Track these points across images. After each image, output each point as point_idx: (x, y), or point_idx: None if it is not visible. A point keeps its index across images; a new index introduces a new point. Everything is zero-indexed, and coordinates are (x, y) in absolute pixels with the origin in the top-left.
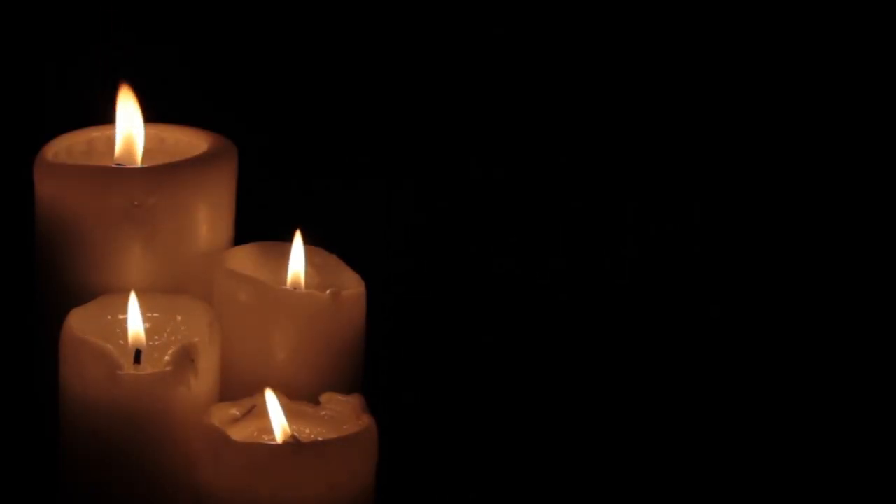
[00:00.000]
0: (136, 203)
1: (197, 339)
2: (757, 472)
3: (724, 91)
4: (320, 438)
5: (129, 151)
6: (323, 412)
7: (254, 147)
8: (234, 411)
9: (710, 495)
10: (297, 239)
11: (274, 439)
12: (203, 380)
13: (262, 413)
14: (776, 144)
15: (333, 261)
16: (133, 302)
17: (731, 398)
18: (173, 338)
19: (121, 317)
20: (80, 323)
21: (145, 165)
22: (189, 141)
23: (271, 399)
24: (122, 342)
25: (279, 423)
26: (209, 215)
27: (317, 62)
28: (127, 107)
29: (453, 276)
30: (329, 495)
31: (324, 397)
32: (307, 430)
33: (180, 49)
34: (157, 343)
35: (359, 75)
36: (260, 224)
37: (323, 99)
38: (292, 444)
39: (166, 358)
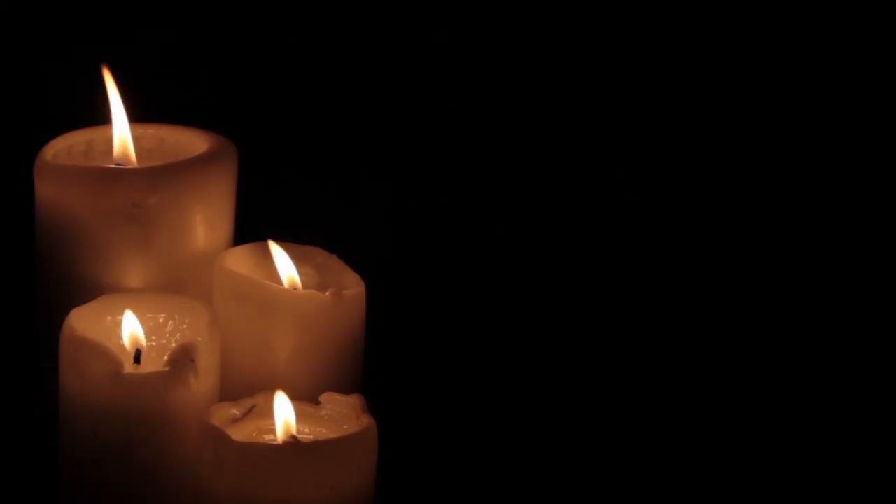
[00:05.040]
0: (136, 203)
1: (197, 339)
2: (756, 471)
3: (718, 90)
4: (320, 438)
5: (124, 151)
6: (323, 412)
7: (254, 147)
8: (234, 411)
9: (709, 494)
10: (273, 246)
11: (274, 439)
12: (203, 380)
13: (262, 413)
14: (773, 144)
15: (333, 261)
16: (129, 315)
17: (728, 398)
18: (173, 338)
19: (121, 318)
20: (80, 323)
21: (145, 165)
22: (189, 141)
23: (281, 400)
24: (122, 342)
25: (283, 422)
26: (209, 215)
27: (317, 62)
28: (115, 107)
29: (453, 275)
30: (329, 495)
31: (324, 397)
32: (307, 430)
33: (181, 49)
34: (157, 343)
35: (359, 75)
36: (260, 224)
37: (323, 99)
38: (292, 444)
39: (166, 358)
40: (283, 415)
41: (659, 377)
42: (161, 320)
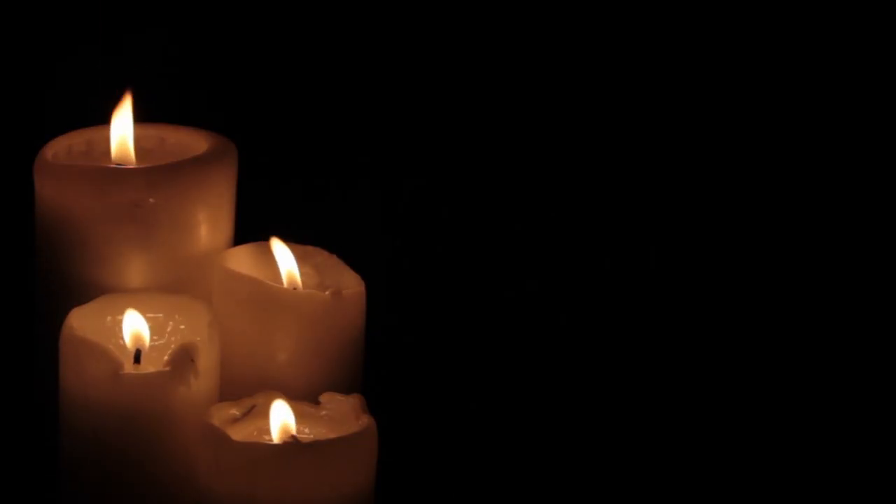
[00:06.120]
0: (136, 203)
1: (197, 339)
2: (755, 472)
3: (716, 91)
4: (320, 438)
5: (123, 152)
6: (323, 412)
7: (254, 147)
8: (234, 411)
9: (708, 494)
10: (276, 243)
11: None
12: (203, 380)
13: (262, 413)
14: (771, 144)
15: (333, 261)
16: (133, 312)
17: (727, 399)
18: (173, 338)
19: (120, 317)
20: (80, 323)
21: (145, 165)
22: (189, 141)
23: (280, 406)
24: (122, 342)
25: (280, 425)
26: (209, 215)
27: (317, 62)
28: (118, 108)
29: (453, 275)
30: (329, 495)
31: (324, 397)
32: (307, 430)
33: (181, 49)
34: (157, 343)
35: (359, 75)
36: (260, 224)
37: (323, 99)
38: (292, 444)
39: (166, 358)
40: (281, 420)
41: (658, 378)
42: (161, 320)
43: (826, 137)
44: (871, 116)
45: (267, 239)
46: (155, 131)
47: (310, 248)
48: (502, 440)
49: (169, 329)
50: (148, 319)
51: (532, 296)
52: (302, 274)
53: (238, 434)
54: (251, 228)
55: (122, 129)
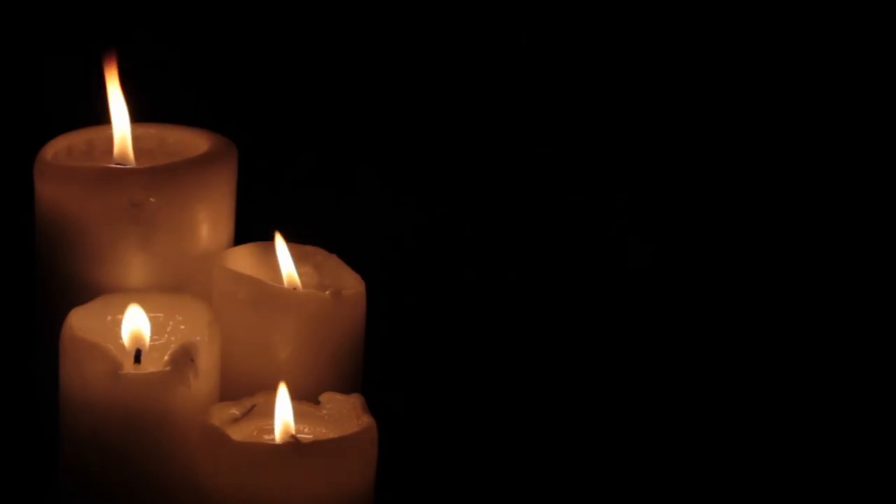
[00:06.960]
0: (136, 203)
1: (197, 339)
2: (756, 471)
3: (712, 90)
4: (320, 438)
5: (123, 151)
6: (323, 412)
7: (254, 147)
8: (234, 411)
9: (709, 495)
10: (279, 241)
11: (274, 439)
12: (203, 380)
13: (262, 413)
14: (773, 143)
15: (333, 261)
16: (136, 308)
17: (725, 402)
18: (173, 338)
19: (121, 317)
20: (80, 322)
21: (145, 165)
22: (189, 141)
23: (282, 395)
24: (122, 342)
25: (282, 422)
26: (209, 215)
27: (317, 62)
28: (115, 105)
29: (453, 276)
30: (329, 495)
31: (324, 397)
32: (307, 430)
33: (181, 49)
34: (157, 343)
35: (359, 75)
36: (260, 224)
37: (323, 99)
38: (292, 444)
39: (166, 358)
40: (282, 413)
41: (656, 381)
42: (161, 320)
43: (818, 133)
44: (868, 115)
45: (267, 239)
46: (155, 131)
47: (310, 248)
48: (502, 439)
49: (169, 329)
50: (148, 319)
51: (533, 296)
52: (302, 274)
53: (238, 434)
54: (251, 228)
55: (121, 126)
